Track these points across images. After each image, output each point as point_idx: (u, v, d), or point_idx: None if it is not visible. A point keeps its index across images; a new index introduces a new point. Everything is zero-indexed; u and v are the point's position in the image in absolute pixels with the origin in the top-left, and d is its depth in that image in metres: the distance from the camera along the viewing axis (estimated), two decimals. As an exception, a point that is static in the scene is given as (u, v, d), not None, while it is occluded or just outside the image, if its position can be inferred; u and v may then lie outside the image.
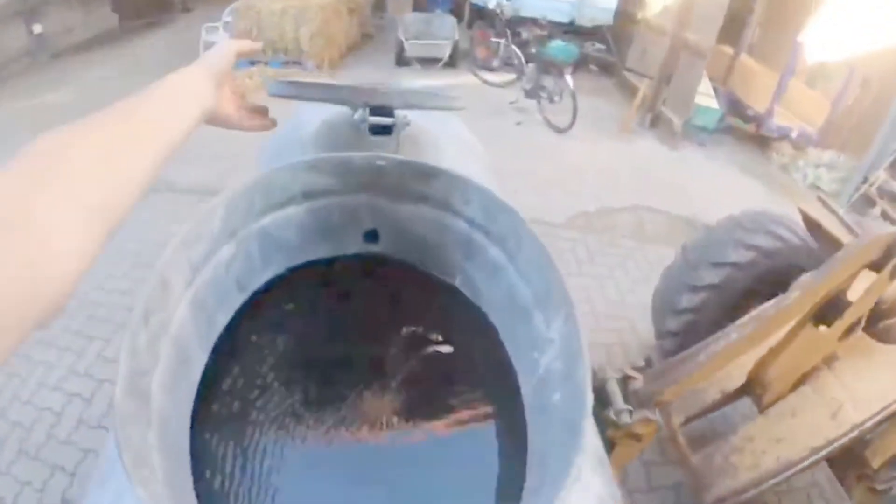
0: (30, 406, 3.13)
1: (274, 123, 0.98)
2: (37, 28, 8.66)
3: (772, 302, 2.18)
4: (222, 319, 0.99)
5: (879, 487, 2.34)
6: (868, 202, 6.38)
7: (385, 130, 1.27)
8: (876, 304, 2.50)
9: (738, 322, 2.23)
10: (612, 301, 4.34)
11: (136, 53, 9.40)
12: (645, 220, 5.63)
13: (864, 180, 6.53)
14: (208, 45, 8.63)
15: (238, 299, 1.03)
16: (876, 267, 2.07)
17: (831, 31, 8.01)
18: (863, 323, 2.28)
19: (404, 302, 1.22)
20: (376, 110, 1.23)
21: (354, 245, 1.15)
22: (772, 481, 2.23)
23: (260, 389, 1.04)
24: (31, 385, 3.25)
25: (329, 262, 1.15)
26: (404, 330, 1.18)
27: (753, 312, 2.25)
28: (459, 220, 1.08)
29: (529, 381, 0.95)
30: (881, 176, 6.40)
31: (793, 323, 2.27)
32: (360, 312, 1.21)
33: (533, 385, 0.94)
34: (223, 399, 0.99)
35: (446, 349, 1.16)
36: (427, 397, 1.10)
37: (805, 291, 2.07)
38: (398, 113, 1.27)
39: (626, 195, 6.04)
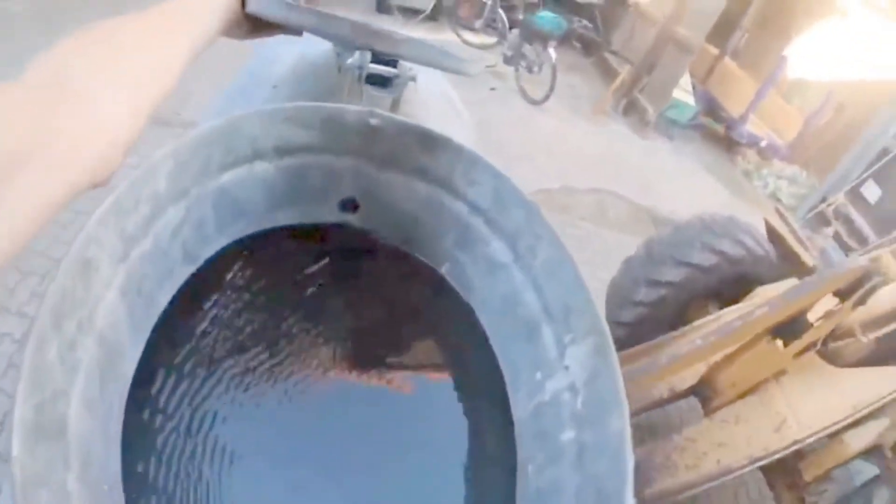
0: None
1: None
2: None
3: (736, 313, 2.22)
4: (163, 299, 0.81)
5: (808, 500, 2.43)
6: (823, 221, 6.55)
7: (382, 83, 1.07)
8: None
9: (703, 329, 2.27)
10: (568, 285, 4.32)
11: None
12: (607, 204, 5.66)
13: (823, 199, 6.71)
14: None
15: (184, 272, 0.84)
16: (841, 294, 2.14)
17: (817, 51, 8.13)
18: (818, 344, 2.33)
19: (377, 283, 1.06)
20: (377, 57, 1.01)
21: (329, 214, 0.96)
22: (709, 484, 2.26)
23: (203, 381, 0.84)
24: None
25: (295, 231, 0.96)
26: (374, 313, 1.03)
27: (711, 318, 2.29)
28: (459, 202, 0.92)
29: (523, 400, 0.85)
30: (840, 199, 6.56)
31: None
32: (327, 292, 0.99)
33: (529, 409, 0.83)
34: (159, 400, 0.79)
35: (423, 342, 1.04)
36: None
37: (774, 309, 2.12)
38: (402, 65, 1.07)
39: (590, 177, 6.04)
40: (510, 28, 8.23)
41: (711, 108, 8.44)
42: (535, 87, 7.48)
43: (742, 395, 2.50)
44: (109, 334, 0.67)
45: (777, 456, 2.26)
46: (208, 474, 0.76)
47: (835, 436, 2.31)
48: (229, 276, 0.91)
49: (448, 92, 1.66)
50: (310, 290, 0.98)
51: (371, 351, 0.99)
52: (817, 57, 8.09)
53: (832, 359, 2.53)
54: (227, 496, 0.76)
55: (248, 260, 0.92)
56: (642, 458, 2.44)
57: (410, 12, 9.12)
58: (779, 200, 7.05)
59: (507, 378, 0.88)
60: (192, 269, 0.84)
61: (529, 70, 7.66)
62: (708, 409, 2.54)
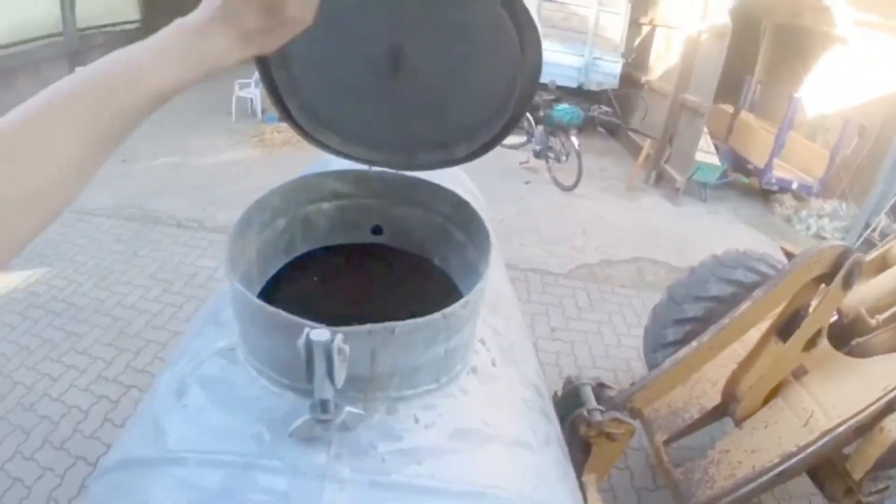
0: (59, 403, 3.41)
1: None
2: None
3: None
4: (272, 269, 1.33)
5: (864, 500, 2.43)
6: (872, 247, 6.48)
7: None
8: (840, 319, 2.69)
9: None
10: (609, 344, 4.52)
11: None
12: (645, 270, 5.84)
13: (867, 226, 6.67)
14: (241, 102, 9.05)
15: (281, 261, 1.37)
16: (827, 280, 2.25)
17: (828, 84, 8.31)
18: (824, 335, 2.44)
19: (397, 274, 1.58)
20: None
21: (365, 236, 1.50)
22: (747, 487, 2.34)
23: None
24: (61, 385, 3.55)
25: (345, 247, 1.51)
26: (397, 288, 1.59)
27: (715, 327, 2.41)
28: (438, 216, 1.39)
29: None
30: (882, 220, 6.56)
31: (757, 338, 2.47)
32: (366, 280, 1.62)
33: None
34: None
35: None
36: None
37: (755, 301, 2.26)
38: None
39: (628, 249, 6.27)
40: (536, 125, 8.69)
41: (738, 163, 8.58)
42: (566, 175, 7.81)
43: (767, 401, 2.62)
44: (250, 269, 1.19)
45: (810, 449, 2.30)
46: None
47: (873, 425, 2.32)
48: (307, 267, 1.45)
49: (466, 184, 2.27)
50: (353, 279, 1.60)
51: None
52: (829, 90, 8.26)
53: (859, 352, 2.65)
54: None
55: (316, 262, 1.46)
56: (681, 479, 2.57)
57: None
58: (823, 238, 7.02)
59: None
60: (286, 259, 1.38)
61: (558, 160, 8.05)
62: (737, 421, 2.66)
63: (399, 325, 0.87)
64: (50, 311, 4.24)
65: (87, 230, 5.40)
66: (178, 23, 0.70)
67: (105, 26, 10.26)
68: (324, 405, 0.81)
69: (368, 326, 0.85)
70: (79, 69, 0.65)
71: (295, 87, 1.23)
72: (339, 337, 0.76)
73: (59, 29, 8.96)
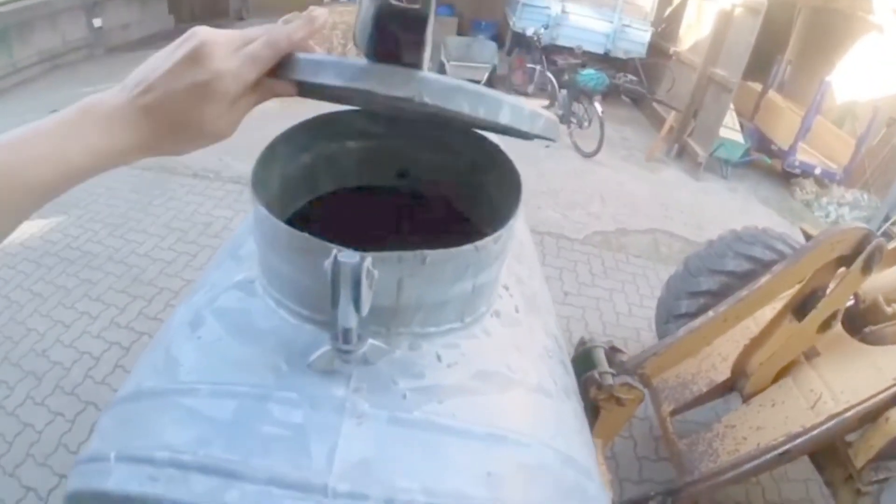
0: (71, 349, 3.45)
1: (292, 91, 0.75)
2: (97, 22, 9.15)
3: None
4: (294, 206, 1.28)
5: (863, 489, 2.41)
6: (891, 240, 6.42)
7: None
8: (856, 304, 2.66)
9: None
10: (621, 312, 4.51)
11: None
12: (661, 242, 5.80)
13: (887, 218, 6.61)
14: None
15: (304, 197, 1.31)
16: (847, 263, 2.21)
17: (860, 71, 8.14)
18: (839, 318, 2.42)
19: (421, 219, 1.55)
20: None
21: (390, 179, 1.42)
22: (750, 464, 2.32)
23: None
24: (74, 331, 3.59)
25: (369, 189, 1.44)
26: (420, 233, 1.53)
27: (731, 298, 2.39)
28: (466, 161, 1.33)
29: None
30: (903, 214, 6.48)
31: (771, 317, 2.44)
32: (388, 224, 1.60)
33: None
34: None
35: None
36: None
37: (774, 275, 2.23)
38: None
39: (645, 219, 6.24)
40: (560, 89, 8.60)
41: (762, 143, 8.47)
42: (587, 141, 7.74)
43: (776, 380, 2.61)
44: (273, 200, 1.14)
45: (816, 432, 2.29)
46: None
47: (880, 414, 2.31)
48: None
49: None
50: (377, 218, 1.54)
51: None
52: (861, 77, 8.10)
53: (874, 341, 2.61)
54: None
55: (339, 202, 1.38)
56: (684, 450, 2.56)
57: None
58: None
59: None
60: (308, 197, 1.32)
61: (580, 126, 7.98)
62: (745, 397, 2.64)
63: (431, 254, 0.84)
64: (64, 259, 4.26)
65: (104, 179, 5.36)
66: (87, 105, 0.64)
67: (124, -23, 10.17)
68: (346, 335, 0.78)
69: (398, 253, 0.82)
70: None
71: None
72: (369, 260, 0.73)
73: (77, -21, 8.88)
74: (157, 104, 0.65)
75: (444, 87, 0.70)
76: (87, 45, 9.18)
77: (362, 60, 0.72)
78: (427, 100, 0.69)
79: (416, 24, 0.67)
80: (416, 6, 0.66)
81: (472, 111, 0.72)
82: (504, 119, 0.76)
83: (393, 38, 0.69)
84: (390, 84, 0.69)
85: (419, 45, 0.68)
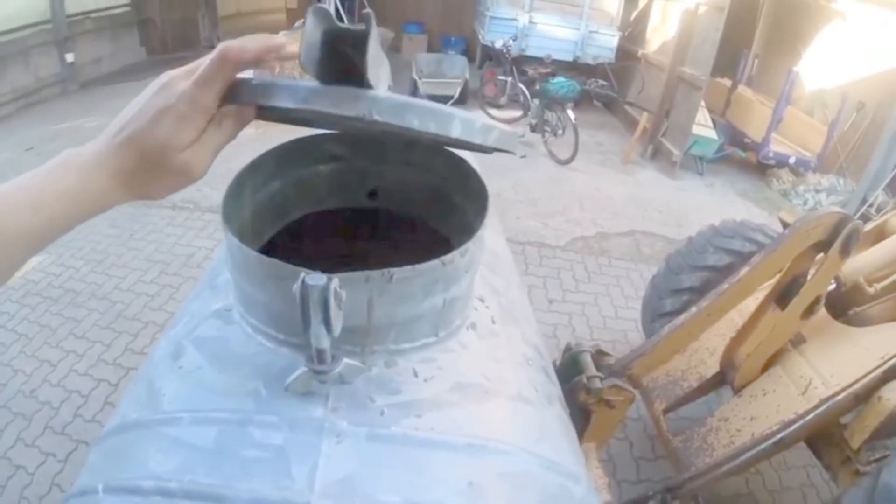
0: (59, 388, 3.42)
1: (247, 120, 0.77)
2: (69, 57, 9.17)
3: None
4: (266, 234, 1.28)
5: (862, 469, 2.41)
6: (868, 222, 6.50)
7: None
8: (838, 287, 2.69)
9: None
10: (607, 315, 4.52)
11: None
12: (642, 243, 5.84)
13: (864, 201, 6.69)
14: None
15: (276, 224, 1.31)
16: (825, 248, 2.25)
17: (827, 59, 8.26)
18: (822, 302, 2.43)
19: (394, 238, 1.55)
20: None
21: (361, 200, 1.42)
22: (746, 455, 2.33)
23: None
24: (61, 370, 3.56)
25: (340, 212, 1.43)
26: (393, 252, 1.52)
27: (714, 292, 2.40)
28: (435, 178, 1.33)
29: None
30: (879, 195, 6.59)
31: (755, 308, 2.46)
32: (362, 245, 1.60)
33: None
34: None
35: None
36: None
37: (753, 266, 2.25)
38: None
39: (625, 222, 6.28)
40: (532, 99, 8.65)
41: (735, 137, 8.57)
42: (562, 149, 7.80)
43: (765, 369, 2.62)
44: (245, 229, 1.15)
45: (808, 417, 2.30)
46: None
47: (871, 394, 2.32)
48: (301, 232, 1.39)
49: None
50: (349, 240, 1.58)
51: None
52: (828, 64, 8.22)
53: (859, 323, 2.65)
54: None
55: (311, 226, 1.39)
56: (680, 447, 2.57)
57: (440, 99, 9.65)
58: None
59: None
60: (280, 224, 1.31)
61: (554, 134, 8.04)
62: (736, 389, 2.66)
63: (397, 272, 0.84)
64: (47, 298, 4.23)
65: (84, 216, 5.38)
66: (65, 156, 0.66)
67: (94, 11, 10.19)
68: (320, 356, 0.78)
69: (365, 273, 0.82)
70: None
71: None
72: (335, 282, 0.73)
73: (48, 16, 8.89)
74: (130, 137, 0.66)
75: (394, 104, 0.71)
76: (61, 80, 9.18)
77: (314, 83, 0.73)
78: (377, 117, 0.69)
79: (360, 43, 0.67)
80: (361, 27, 0.67)
81: (423, 127, 0.73)
82: (455, 133, 0.76)
83: (341, 60, 0.70)
84: (340, 104, 0.70)
85: (364, 64, 0.69)
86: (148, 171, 0.68)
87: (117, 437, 0.92)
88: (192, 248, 4.97)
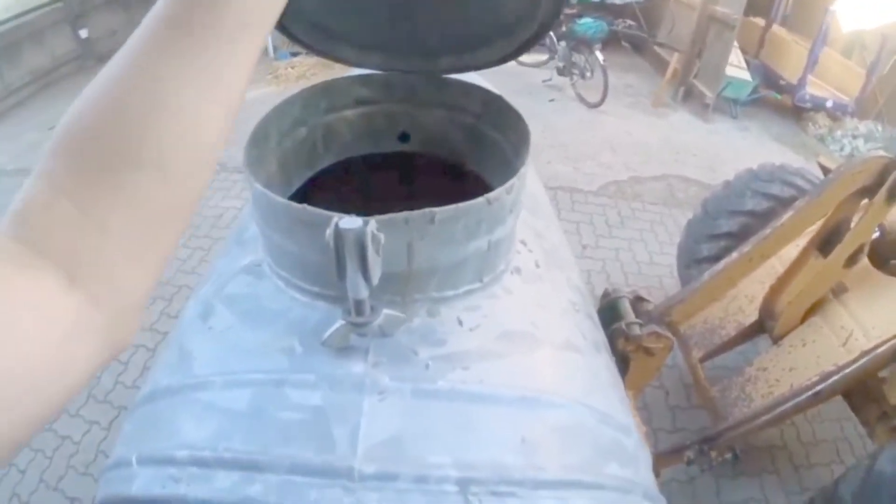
0: None
1: None
2: (83, 33, 9.02)
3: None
4: (295, 183, 1.23)
5: None
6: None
7: None
8: (882, 236, 2.59)
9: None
10: (642, 261, 4.45)
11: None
12: (675, 187, 5.70)
13: (902, 147, 6.49)
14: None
15: (305, 173, 1.26)
16: (871, 194, 2.16)
17: (864, -1, 7.95)
18: (866, 251, 2.35)
19: (429, 182, 1.49)
20: None
21: (392, 144, 1.36)
22: (785, 406, 2.28)
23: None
24: None
25: (372, 157, 1.38)
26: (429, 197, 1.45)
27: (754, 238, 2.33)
28: (468, 116, 1.26)
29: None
30: (919, 142, 6.35)
31: (796, 255, 2.38)
32: (396, 191, 1.53)
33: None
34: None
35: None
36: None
37: (797, 211, 2.17)
38: None
39: (657, 166, 6.13)
40: (558, 41, 8.43)
41: (770, 79, 8.28)
42: (591, 91, 7.58)
43: (805, 319, 2.55)
44: (272, 179, 1.12)
45: (849, 369, 2.23)
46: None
47: None
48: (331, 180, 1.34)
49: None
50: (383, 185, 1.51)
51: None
52: (866, 4, 7.90)
53: None
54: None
55: (342, 174, 1.34)
56: (717, 396, 2.53)
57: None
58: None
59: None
60: (309, 173, 1.27)
61: (583, 76, 7.81)
62: (775, 338, 2.60)
63: (439, 211, 0.78)
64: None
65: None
66: None
67: (105, -14, 9.99)
68: (358, 307, 0.73)
69: (405, 214, 0.76)
70: None
71: (298, 9, 1.05)
72: (373, 224, 0.68)
73: (58, -5, 8.79)
74: None
75: None
76: (77, 57, 9.04)
77: None
78: None
79: None
80: None
81: None
82: None
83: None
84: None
85: None
86: None
87: (150, 404, 0.90)
88: (221, 209, 4.93)
